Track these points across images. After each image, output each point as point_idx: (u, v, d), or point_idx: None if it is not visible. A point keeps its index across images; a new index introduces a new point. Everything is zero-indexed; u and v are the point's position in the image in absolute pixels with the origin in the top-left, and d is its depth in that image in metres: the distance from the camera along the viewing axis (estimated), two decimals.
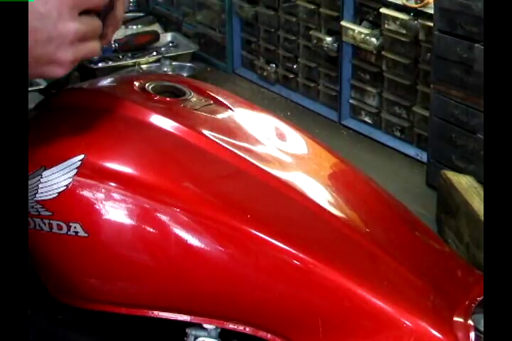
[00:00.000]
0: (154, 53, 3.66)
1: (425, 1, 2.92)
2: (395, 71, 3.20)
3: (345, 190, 1.08)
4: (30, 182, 0.94)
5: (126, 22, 3.80)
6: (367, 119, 3.44)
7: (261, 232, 0.93)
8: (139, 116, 1.02)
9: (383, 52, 3.21)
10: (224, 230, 0.93)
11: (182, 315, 0.98)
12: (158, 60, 3.57)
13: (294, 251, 0.92)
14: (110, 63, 3.48)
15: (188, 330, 1.01)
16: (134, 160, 0.97)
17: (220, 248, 0.93)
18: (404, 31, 3.05)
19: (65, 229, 0.94)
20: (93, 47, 0.91)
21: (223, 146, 1.01)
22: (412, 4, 2.99)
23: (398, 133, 3.31)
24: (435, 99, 2.82)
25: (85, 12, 0.87)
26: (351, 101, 3.49)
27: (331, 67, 3.56)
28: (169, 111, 1.05)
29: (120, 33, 3.54)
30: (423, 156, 3.10)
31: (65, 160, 0.94)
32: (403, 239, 1.07)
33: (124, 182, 0.94)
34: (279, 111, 3.56)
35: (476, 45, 2.42)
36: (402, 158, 3.25)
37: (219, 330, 1.00)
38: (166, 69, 3.49)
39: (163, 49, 3.73)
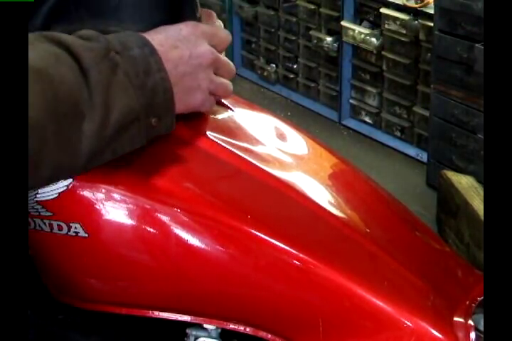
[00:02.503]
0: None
1: (425, 1, 2.92)
2: (395, 71, 3.20)
3: (345, 190, 1.08)
4: None
5: None
6: (367, 119, 3.44)
7: (261, 232, 0.93)
8: None
9: (383, 52, 3.21)
10: (224, 230, 0.93)
11: (182, 316, 0.98)
12: None
13: (294, 251, 0.92)
14: None
15: (188, 330, 1.01)
16: (134, 160, 0.97)
17: (220, 248, 0.93)
18: (404, 31, 3.05)
19: (65, 230, 0.94)
20: (227, 83, 0.96)
21: (223, 146, 1.01)
22: (412, 4, 2.99)
23: (398, 133, 3.31)
24: (435, 99, 2.82)
25: None
26: (351, 101, 3.50)
27: (331, 67, 3.56)
28: None
29: None
30: (423, 156, 3.11)
31: None
32: (403, 239, 1.07)
33: (124, 182, 0.94)
34: (279, 111, 3.57)
35: (476, 45, 2.42)
36: (402, 158, 3.25)
37: (219, 330, 1.00)
38: None
39: None
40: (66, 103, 0.76)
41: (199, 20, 0.97)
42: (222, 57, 0.95)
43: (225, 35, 0.96)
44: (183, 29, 0.90)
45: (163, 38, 0.88)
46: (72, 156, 0.79)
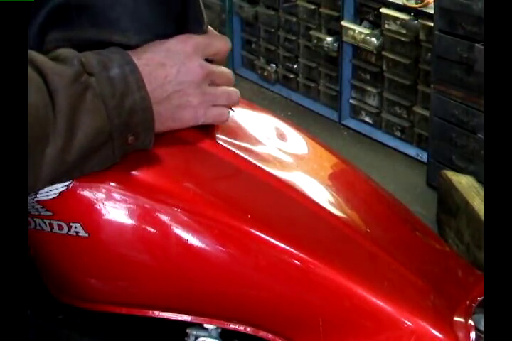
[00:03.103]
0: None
1: (425, 1, 2.92)
2: (395, 71, 3.20)
3: (345, 189, 1.08)
4: None
5: None
6: (367, 119, 3.44)
7: (261, 232, 0.93)
8: None
9: (383, 52, 3.21)
10: (224, 230, 0.93)
11: (182, 315, 0.98)
12: None
13: (294, 251, 0.92)
14: None
15: (188, 330, 1.01)
16: (134, 160, 0.97)
17: (220, 248, 0.93)
18: (404, 31, 3.05)
19: (65, 229, 0.94)
20: (228, 91, 0.96)
21: (223, 146, 1.01)
22: (412, 4, 2.99)
23: (398, 133, 3.31)
24: (435, 99, 2.83)
25: None
26: (351, 101, 3.50)
27: (331, 67, 3.56)
28: None
29: None
30: (423, 156, 3.11)
31: None
32: (403, 239, 1.07)
33: (124, 182, 0.94)
34: (279, 111, 3.57)
35: (476, 45, 2.42)
36: (402, 158, 3.25)
37: (220, 330, 1.00)
38: None
39: None
40: (32, 125, 0.75)
41: (205, 32, 0.97)
42: (217, 68, 0.95)
43: (221, 44, 0.95)
44: (173, 45, 0.89)
45: (150, 56, 0.87)
46: (33, 180, 0.78)
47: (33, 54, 0.80)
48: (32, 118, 0.75)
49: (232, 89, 0.97)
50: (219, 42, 0.95)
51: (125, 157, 0.89)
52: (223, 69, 0.96)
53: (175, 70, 0.88)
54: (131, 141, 0.86)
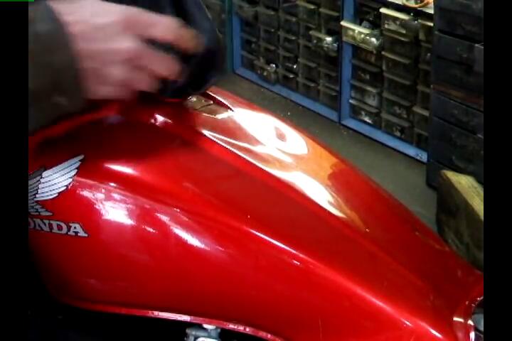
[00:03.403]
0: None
1: (425, 1, 2.92)
2: (395, 71, 3.20)
3: (344, 190, 1.08)
4: (30, 182, 0.94)
5: None
6: (367, 119, 3.44)
7: (261, 232, 0.93)
8: (138, 116, 1.02)
9: (383, 52, 3.21)
10: (224, 230, 0.93)
11: (182, 315, 0.98)
12: None
13: (294, 251, 0.92)
14: None
15: (188, 330, 1.01)
16: (134, 160, 0.97)
17: (220, 248, 0.93)
18: (404, 31, 3.05)
19: (65, 230, 0.94)
20: (147, 77, 0.87)
21: (223, 146, 1.01)
22: (412, 4, 2.99)
23: (398, 133, 3.31)
24: (435, 99, 2.82)
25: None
26: (351, 101, 3.49)
27: (331, 67, 3.56)
28: (169, 112, 1.05)
29: None
30: (423, 156, 3.11)
31: (65, 160, 0.94)
32: (403, 239, 1.07)
33: (124, 182, 0.94)
34: (279, 111, 3.56)
35: (476, 45, 2.42)
36: (402, 158, 3.25)
37: (219, 330, 1.00)
38: None
39: None
40: None
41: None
42: (154, 52, 0.87)
43: (166, 23, 0.88)
44: (113, 18, 0.84)
45: (84, 14, 0.83)
46: None
47: None
48: None
49: (154, 76, 0.89)
50: (164, 22, 0.88)
51: (57, 121, 0.86)
52: (160, 54, 0.88)
53: (102, 47, 0.83)
54: (63, 102, 0.82)
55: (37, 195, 0.94)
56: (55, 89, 0.80)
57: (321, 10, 3.49)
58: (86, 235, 0.94)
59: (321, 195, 1.02)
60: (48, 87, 0.80)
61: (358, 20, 3.34)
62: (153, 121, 1.02)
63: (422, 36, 2.97)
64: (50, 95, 0.80)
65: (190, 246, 0.93)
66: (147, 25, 0.86)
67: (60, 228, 0.94)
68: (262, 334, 0.97)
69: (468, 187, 2.50)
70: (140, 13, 0.87)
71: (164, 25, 0.87)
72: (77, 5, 0.84)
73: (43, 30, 0.79)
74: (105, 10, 0.85)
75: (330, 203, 1.01)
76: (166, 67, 0.88)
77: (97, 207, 0.94)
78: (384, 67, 3.25)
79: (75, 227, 0.94)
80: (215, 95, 1.14)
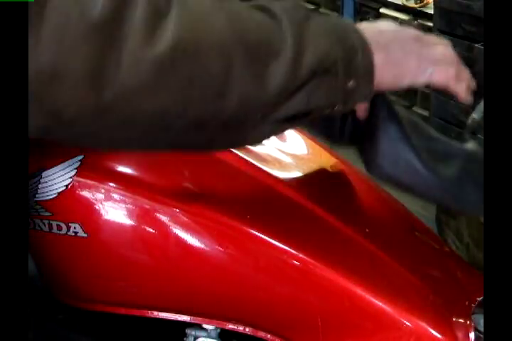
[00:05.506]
0: None
1: (425, 1, 2.92)
2: None
3: (344, 190, 1.08)
4: (29, 182, 0.94)
5: None
6: None
7: (261, 232, 0.93)
8: None
9: None
10: (224, 230, 0.93)
11: (181, 316, 0.98)
12: None
13: (293, 251, 0.92)
14: None
15: (187, 331, 1.01)
16: (134, 161, 0.97)
17: (220, 248, 0.93)
18: None
19: (64, 230, 0.94)
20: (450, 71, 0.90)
21: None
22: (411, 4, 2.99)
23: None
24: (435, 99, 2.82)
25: None
26: None
27: None
28: None
29: None
30: None
31: (64, 161, 0.94)
32: (403, 239, 1.07)
33: (123, 182, 0.94)
34: None
35: (476, 45, 2.42)
36: None
37: (219, 331, 1.00)
38: None
39: None
40: (255, 39, 0.74)
41: None
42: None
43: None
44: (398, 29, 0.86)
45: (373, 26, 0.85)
46: (260, 89, 0.74)
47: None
48: (255, 32, 0.74)
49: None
50: (440, 45, 0.91)
51: (350, 107, 0.82)
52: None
53: (391, 30, 0.85)
54: (352, 85, 0.80)
55: (37, 195, 0.94)
56: (349, 68, 0.79)
57: (321, 10, 3.49)
58: (85, 235, 0.94)
59: (321, 195, 1.02)
60: (345, 62, 0.79)
61: (358, 20, 3.34)
62: None
63: None
64: (344, 73, 0.79)
65: (190, 246, 0.93)
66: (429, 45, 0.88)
67: (59, 228, 0.95)
68: (262, 334, 0.97)
69: None
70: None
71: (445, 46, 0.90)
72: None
73: (331, 16, 0.81)
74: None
75: (330, 203, 1.01)
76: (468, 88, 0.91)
77: (97, 207, 0.93)
78: None
79: (74, 227, 0.94)
80: None
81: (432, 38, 0.89)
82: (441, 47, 0.88)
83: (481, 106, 0.94)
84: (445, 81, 0.88)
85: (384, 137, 0.89)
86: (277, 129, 0.79)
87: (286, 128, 0.81)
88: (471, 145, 0.93)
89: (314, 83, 0.77)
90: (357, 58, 0.79)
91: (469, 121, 0.93)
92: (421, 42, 0.86)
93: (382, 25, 0.86)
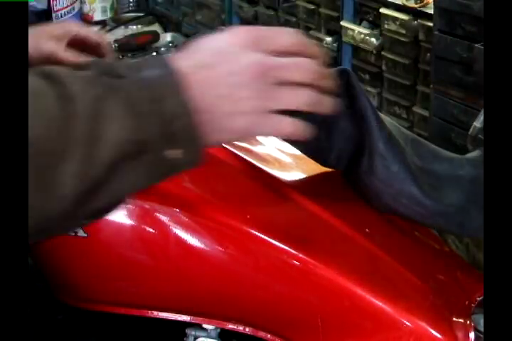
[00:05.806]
0: (154, 53, 3.66)
1: (425, 1, 2.92)
2: (394, 71, 3.20)
3: (344, 190, 1.08)
4: None
5: (126, 22, 3.80)
6: None
7: (261, 232, 0.93)
8: None
9: (383, 52, 3.21)
10: (224, 230, 0.93)
11: (181, 315, 0.98)
12: None
13: (293, 251, 0.92)
14: None
15: (187, 330, 1.01)
16: None
17: (220, 248, 0.93)
18: (404, 31, 3.04)
19: None
20: (303, 93, 0.72)
21: (223, 146, 1.01)
22: (411, 4, 2.99)
23: None
24: (435, 99, 2.82)
25: None
26: None
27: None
28: None
29: (120, 33, 3.54)
30: None
31: None
32: (403, 239, 1.07)
33: None
34: None
35: (476, 45, 2.42)
36: None
37: (218, 330, 1.00)
38: None
39: (163, 49, 3.72)
40: (41, 139, 0.65)
41: None
42: (287, 60, 0.73)
43: (285, 36, 0.75)
44: (223, 39, 0.74)
45: (194, 56, 0.73)
46: (55, 200, 0.66)
47: (49, 68, 0.69)
48: (42, 131, 0.65)
49: (306, 88, 0.73)
50: (282, 35, 0.75)
51: (170, 178, 0.73)
52: (297, 60, 0.74)
53: (225, 70, 0.71)
54: (175, 155, 0.70)
55: None
56: (164, 141, 0.69)
57: (321, 10, 3.49)
58: (85, 235, 0.94)
59: (321, 195, 1.02)
60: (155, 138, 0.69)
61: (358, 20, 3.34)
62: None
63: (421, 36, 2.97)
64: (159, 147, 0.70)
65: (190, 246, 0.93)
66: (265, 39, 0.74)
67: None
68: (262, 334, 0.97)
69: None
70: (255, 28, 0.75)
71: (287, 34, 0.76)
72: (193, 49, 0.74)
73: (149, 77, 0.70)
74: (226, 41, 0.74)
75: (330, 203, 1.01)
76: (308, 72, 0.74)
77: None
78: (384, 67, 3.25)
79: None
80: None
81: (283, 59, 0.73)
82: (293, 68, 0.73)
83: (482, 115, 0.93)
84: (282, 132, 0.74)
85: (381, 166, 0.86)
86: (95, 218, 0.71)
87: (107, 214, 0.72)
88: (475, 153, 0.93)
89: (127, 168, 0.68)
90: (177, 126, 0.69)
91: (471, 130, 0.93)
92: (265, 76, 0.72)
93: (217, 58, 0.72)
